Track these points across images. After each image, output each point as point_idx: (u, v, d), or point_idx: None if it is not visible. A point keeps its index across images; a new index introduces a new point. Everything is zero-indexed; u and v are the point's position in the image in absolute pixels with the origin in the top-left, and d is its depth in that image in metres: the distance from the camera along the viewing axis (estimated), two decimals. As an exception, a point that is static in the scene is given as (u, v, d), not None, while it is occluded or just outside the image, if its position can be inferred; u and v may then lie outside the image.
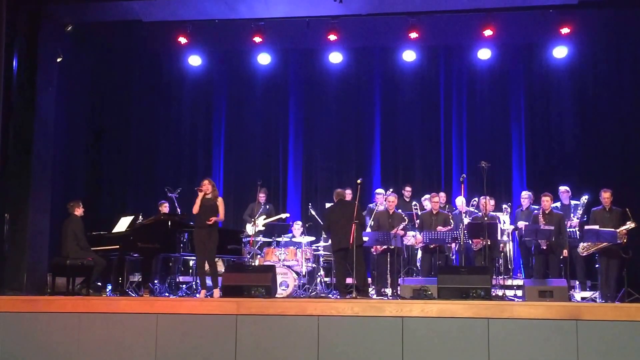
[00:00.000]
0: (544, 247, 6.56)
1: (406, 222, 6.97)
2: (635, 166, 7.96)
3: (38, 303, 5.27)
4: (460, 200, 7.37)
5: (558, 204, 7.29)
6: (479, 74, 8.94)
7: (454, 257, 7.38)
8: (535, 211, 6.94)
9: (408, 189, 8.05)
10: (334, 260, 6.76)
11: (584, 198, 6.93)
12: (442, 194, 7.99)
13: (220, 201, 6.43)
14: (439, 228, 6.83)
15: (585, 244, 6.59)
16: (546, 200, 6.74)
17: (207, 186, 6.39)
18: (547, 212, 6.69)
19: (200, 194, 6.36)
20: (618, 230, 6.34)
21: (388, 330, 4.72)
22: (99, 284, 6.95)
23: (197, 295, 6.57)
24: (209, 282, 6.51)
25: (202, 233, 6.31)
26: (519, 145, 8.82)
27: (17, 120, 6.76)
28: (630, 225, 6.33)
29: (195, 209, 6.37)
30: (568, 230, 6.70)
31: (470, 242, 6.90)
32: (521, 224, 6.99)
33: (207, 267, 6.42)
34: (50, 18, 7.23)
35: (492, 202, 7.01)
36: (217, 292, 6.20)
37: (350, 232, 6.13)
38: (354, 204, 6.29)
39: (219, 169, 9.34)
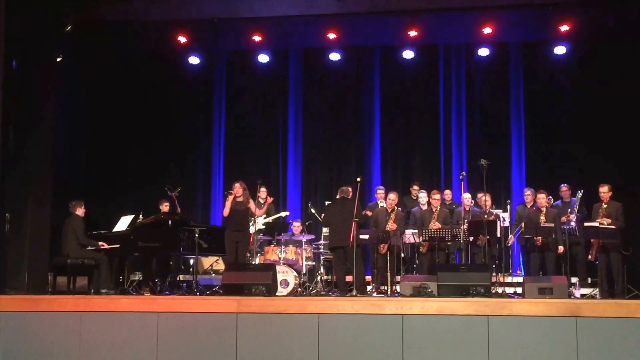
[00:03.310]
0: (539, 244, 6.58)
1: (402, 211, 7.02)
2: (635, 163, 7.96)
3: (39, 302, 5.28)
4: (465, 196, 7.35)
5: (559, 203, 7.29)
6: (478, 71, 8.95)
7: (454, 255, 7.40)
8: (530, 209, 6.97)
9: (416, 187, 8.03)
10: (333, 258, 6.77)
11: (579, 193, 6.94)
12: (448, 191, 8.00)
13: (252, 204, 6.67)
14: (436, 225, 6.84)
15: (591, 250, 6.59)
16: (542, 198, 6.76)
17: (237, 189, 6.58)
18: (542, 209, 6.72)
19: (230, 197, 6.55)
20: (597, 221, 6.38)
21: (388, 327, 4.74)
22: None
23: (208, 293, 6.57)
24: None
25: (237, 235, 6.53)
26: (518, 142, 8.83)
27: (17, 120, 6.77)
28: (601, 221, 6.38)
29: (226, 211, 6.62)
30: (567, 227, 6.70)
31: (471, 239, 6.92)
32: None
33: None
34: (50, 18, 7.24)
35: (487, 197, 6.98)
36: None
37: (349, 231, 6.14)
38: (354, 202, 6.30)
39: (218, 168, 9.34)
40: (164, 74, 9.37)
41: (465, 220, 6.79)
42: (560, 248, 6.61)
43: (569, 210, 6.92)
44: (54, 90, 7.40)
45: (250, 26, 8.01)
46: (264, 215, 7.77)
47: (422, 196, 7.32)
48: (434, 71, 9.09)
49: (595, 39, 8.47)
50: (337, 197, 6.71)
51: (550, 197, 7.04)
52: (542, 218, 6.66)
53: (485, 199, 6.86)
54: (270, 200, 7.45)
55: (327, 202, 7.24)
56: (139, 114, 9.32)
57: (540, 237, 6.58)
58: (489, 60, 8.77)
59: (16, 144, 6.77)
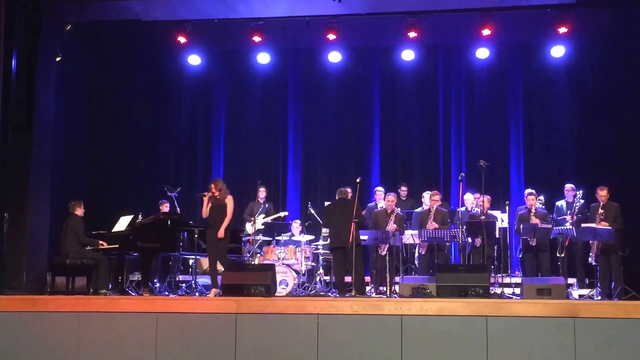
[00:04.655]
0: (533, 244, 6.60)
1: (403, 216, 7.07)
2: (633, 164, 7.99)
3: (38, 302, 5.28)
4: (467, 197, 7.36)
5: (563, 202, 7.31)
6: (477, 73, 8.96)
7: (452, 256, 7.42)
8: (522, 211, 6.98)
9: (404, 188, 8.08)
10: (333, 259, 6.78)
11: (578, 194, 6.96)
12: (436, 191, 8.00)
13: (229, 199, 6.49)
14: (433, 225, 6.85)
15: (592, 252, 6.60)
16: (531, 199, 6.78)
17: (213, 190, 6.47)
18: (533, 210, 6.73)
19: (205, 199, 6.47)
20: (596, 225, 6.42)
21: (387, 328, 4.74)
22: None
23: (207, 294, 6.56)
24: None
25: (213, 232, 6.41)
26: (517, 143, 8.85)
27: (16, 120, 6.77)
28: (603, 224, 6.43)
29: (204, 212, 6.50)
30: (566, 227, 6.72)
31: (470, 240, 6.93)
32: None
33: (213, 266, 6.45)
34: (50, 17, 7.24)
35: (484, 198, 7.01)
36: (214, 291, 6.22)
37: (348, 231, 6.16)
38: (354, 202, 6.31)
39: (218, 168, 9.35)
40: (163, 74, 9.38)
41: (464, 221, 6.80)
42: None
43: (569, 211, 6.94)
44: (54, 90, 7.40)
45: (250, 27, 8.01)
46: (263, 215, 7.78)
47: (426, 197, 7.33)
48: (433, 72, 9.10)
49: (593, 41, 8.50)
50: (337, 197, 6.72)
51: (541, 197, 7.04)
52: (536, 220, 6.67)
53: (483, 200, 6.88)
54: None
55: (326, 203, 7.25)
56: (138, 114, 9.33)
57: (535, 238, 6.60)
58: (488, 62, 8.79)
59: (15, 143, 6.77)
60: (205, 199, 6.46)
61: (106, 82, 9.15)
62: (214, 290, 6.32)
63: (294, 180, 9.23)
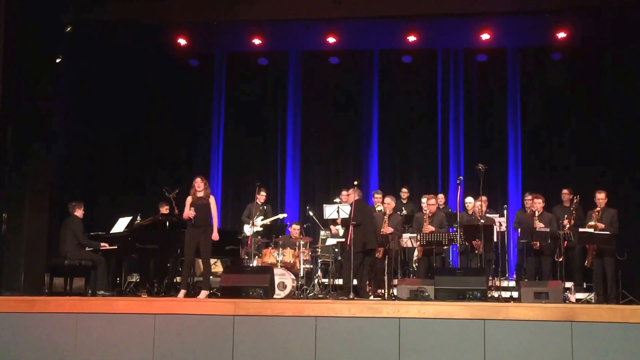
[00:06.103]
0: (536, 249, 6.62)
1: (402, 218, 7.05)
2: (630, 167, 8.01)
3: (35, 303, 5.27)
4: (468, 200, 7.37)
5: (559, 207, 7.32)
6: (476, 76, 9.00)
7: (450, 260, 7.43)
8: (524, 214, 7.00)
9: (404, 190, 8.09)
10: (357, 261, 6.19)
11: (576, 199, 6.98)
12: (441, 195, 8.02)
13: (212, 199, 6.31)
14: (429, 228, 6.85)
15: (588, 257, 6.62)
16: (538, 203, 6.80)
17: (199, 184, 6.27)
18: (538, 214, 6.75)
19: (188, 199, 6.24)
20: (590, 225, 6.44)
21: (385, 331, 4.76)
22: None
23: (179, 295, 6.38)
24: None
25: (196, 232, 6.17)
26: (515, 147, 8.88)
27: (16, 121, 6.78)
28: (595, 225, 6.45)
29: (185, 213, 6.20)
30: (563, 232, 6.73)
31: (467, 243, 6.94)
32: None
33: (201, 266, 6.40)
34: (50, 18, 7.26)
35: (483, 201, 7.01)
36: (204, 293, 6.05)
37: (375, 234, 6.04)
38: (371, 206, 6.22)
39: (217, 170, 9.36)
40: (163, 76, 9.39)
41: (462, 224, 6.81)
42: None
43: (565, 216, 6.96)
44: (54, 92, 7.41)
45: (250, 29, 8.04)
46: (262, 217, 7.78)
47: (424, 200, 7.34)
48: (432, 76, 9.13)
49: (591, 46, 8.53)
50: (353, 198, 6.41)
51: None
52: (540, 224, 6.68)
53: (480, 203, 6.90)
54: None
55: (325, 206, 7.20)
56: (138, 116, 9.32)
57: (537, 242, 6.61)
58: (486, 66, 8.82)
59: (15, 145, 6.78)
60: (188, 200, 6.22)
61: (105, 83, 9.15)
62: (182, 292, 6.08)
63: (292, 183, 9.25)
